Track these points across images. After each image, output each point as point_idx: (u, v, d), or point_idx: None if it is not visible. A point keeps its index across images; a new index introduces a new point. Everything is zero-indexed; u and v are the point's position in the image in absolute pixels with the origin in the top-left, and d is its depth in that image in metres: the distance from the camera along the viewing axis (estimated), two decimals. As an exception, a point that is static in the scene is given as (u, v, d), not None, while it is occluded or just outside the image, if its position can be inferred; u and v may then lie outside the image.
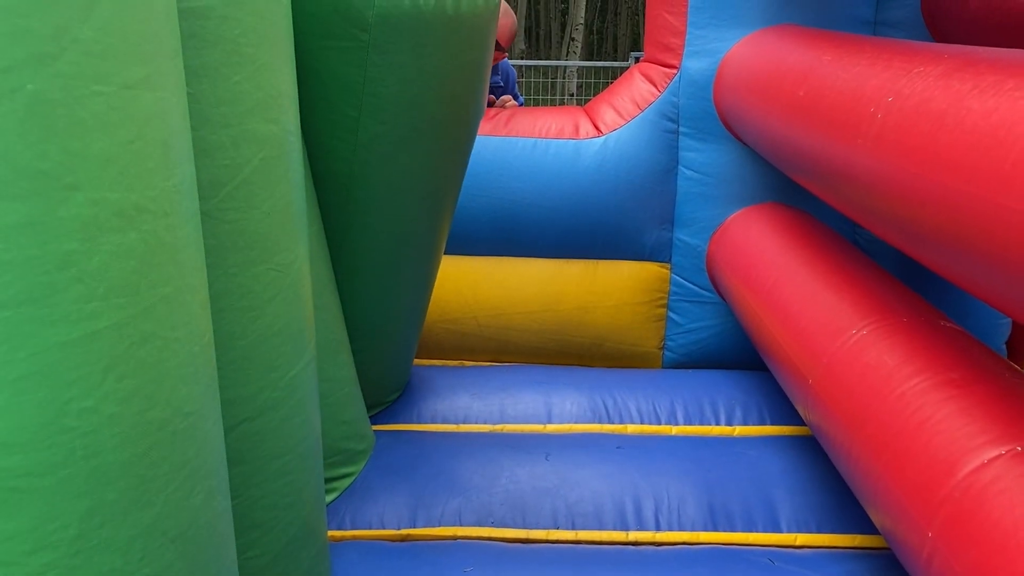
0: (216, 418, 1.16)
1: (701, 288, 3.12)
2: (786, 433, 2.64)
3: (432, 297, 2.79)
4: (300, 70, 1.72)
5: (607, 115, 3.06)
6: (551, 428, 2.69)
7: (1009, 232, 1.14)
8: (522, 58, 16.64)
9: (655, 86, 2.98)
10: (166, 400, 1.01)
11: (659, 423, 2.73)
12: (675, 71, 2.93)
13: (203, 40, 1.27)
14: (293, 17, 1.56)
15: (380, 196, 2.16)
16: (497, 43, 3.26)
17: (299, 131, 1.57)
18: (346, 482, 2.29)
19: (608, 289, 3.18)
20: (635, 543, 2.17)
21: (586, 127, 3.07)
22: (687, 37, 2.87)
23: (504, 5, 3.23)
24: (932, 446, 1.51)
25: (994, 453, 1.40)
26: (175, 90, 1.01)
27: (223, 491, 1.19)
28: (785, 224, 2.67)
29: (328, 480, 2.23)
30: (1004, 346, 3.17)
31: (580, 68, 12.37)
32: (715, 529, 2.20)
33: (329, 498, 2.23)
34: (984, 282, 1.30)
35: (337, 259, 2.24)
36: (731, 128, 2.83)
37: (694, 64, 2.89)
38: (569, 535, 2.17)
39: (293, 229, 1.50)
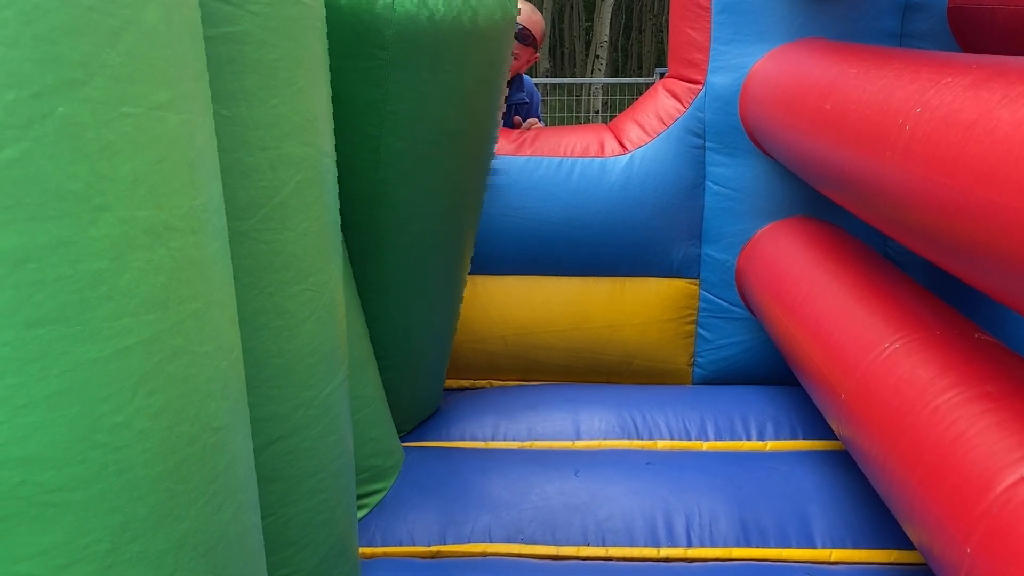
0: (245, 433, 1.17)
1: (730, 304, 3.10)
2: (819, 448, 2.61)
3: (459, 317, 2.80)
4: (324, 91, 1.74)
5: (632, 132, 3.06)
6: (580, 445, 2.68)
7: (1041, 240, 1.13)
8: (547, 76, 16.72)
9: (680, 102, 2.98)
10: (195, 415, 1.02)
11: (689, 439, 2.70)
12: (700, 86, 2.92)
13: (241, 64, 1.30)
14: (319, 39, 1.58)
15: (403, 213, 2.17)
16: (532, 39, 3.26)
17: (334, 153, 1.60)
18: (376, 498, 2.30)
19: (636, 306, 3.17)
20: (667, 559, 2.15)
21: (611, 144, 3.07)
22: (711, 52, 2.87)
23: (528, 4, 3.25)
24: (968, 460, 1.48)
25: (1032, 466, 1.37)
26: (201, 111, 1.03)
27: (253, 506, 1.20)
28: (814, 238, 2.65)
29: (359, 497, 2.23)
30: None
31: (605, 85, 12.40)
32: (748, 545, 2.18)
33: (359, 515, 2.24)
34: (1017, 292, 1.28)
35: (363, 278, 2.26)
36: (758, 142, 2.81)
37: (719, 79, 2.88)
38: (600, 552, 2.16)
39: (328, 250, 1.52)
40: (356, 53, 1.93)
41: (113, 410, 0.92)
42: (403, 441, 2.63)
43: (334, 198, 1.54)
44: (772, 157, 2.78)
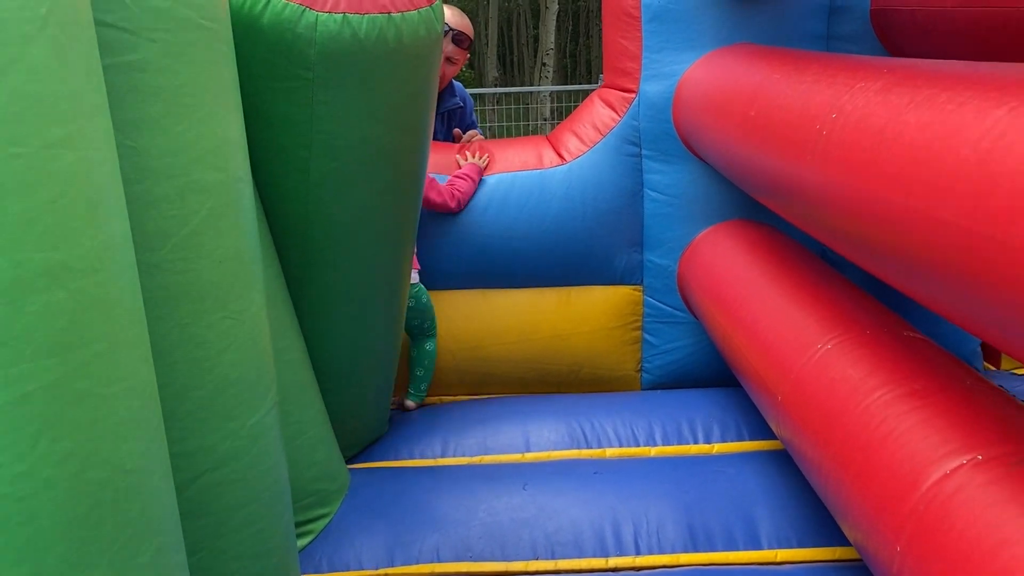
0: (164, 472, 1.15)
1: (674, 308, 3.12)
2: (764, 448, 2.63)
3: (406, 336, 2.78)
4: (247, 113, 1.72)
5: (570, 142, 3.08)
6: (530, 457, 2.67)
7: (947, 245, 1.15)
8: (495, 85, 16.74)
9: (615, 111, 3.00)
10: (105, 459, 1.00)
11: (638, 445, 2.72)
12: (633, 95, 2.95)
13: (143, 92, 1.27)
14: (237, 61, 1.56)
15: (337, 233, 2.15)
16: (469, 42, 3.26)
17: (249, 177, 1.57)
18: (321, 523, 2.27)
19: (583, 315, 3.18)
20: (615, 569, 2.15)
21: (549, 156, 3.08)
22: (643, 61, 2.90)
23: (451, 7, 3.26)
24: (896, 458, 1.51)
25: (956, 463, 1.39)
26: (100, 146, 1.01)
27: (176, 546, 1.18)
28: (752, 241, 2.68)
29: (302, 523, 2.20)
30: (979, 348, 3.19)
31: (553, 92, 12.46)
32: (695, 550, 2.19)
33: (304, 541, 2.20)
34: (930, 293, 1.31)
35: (301, 300, 2.23)
36: (692, 148, 2.84)
37: (652, 87, 2.91)
38: (549, 565, 2.15)
39: (247, 276, 1.50)
40: (281, 74, 1.91)
41: (14, 459, 0.90)
42: (350, 464, 2.60)
43: (252, 223, 1.51)
44: (706, 162, 2.81)
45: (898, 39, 2.71)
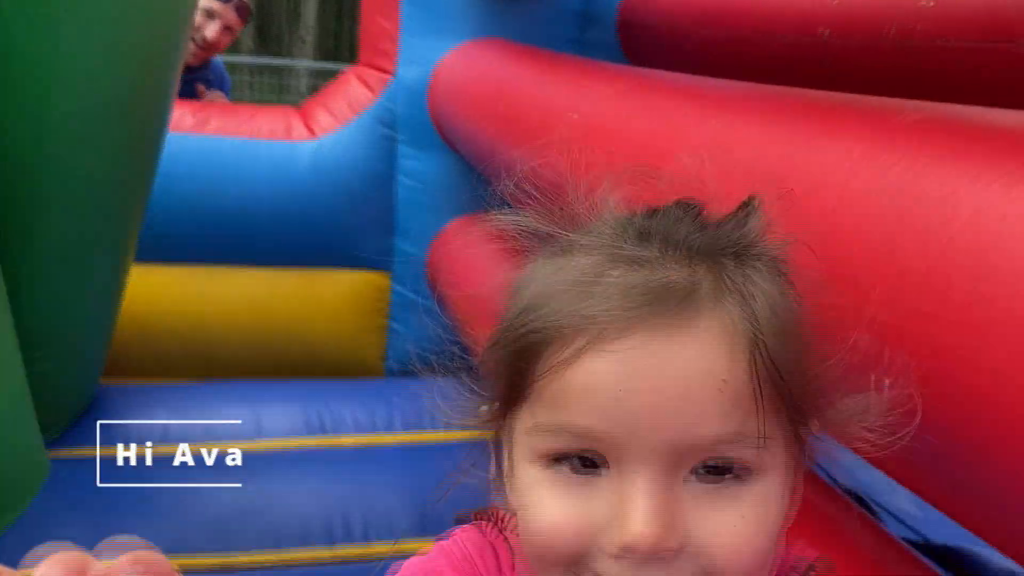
0: None
1: (422, 297, 3.12)
2: (499, 436, 2.70)
3: (126, 311, 2.55)
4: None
5: (321, 117, 2.98)
6: (261, 444, 2.55)
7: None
8: (251, 55, 15.98)
9: (371, 90, 2.95)
10: None
11: (376, 432, 2.68)
12: (390, 76, 2.91)
13: None
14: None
15: (71, 187, 1.92)
16: (245, 11, 3.09)
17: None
18: (12, 515, 2.02)
19: (326, 299, 3.09)
20: (343, 558, 2.11)
21: (299, 129, 2.96)
22: (401, 44, 2.87)
23: None
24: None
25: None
26: None
27: None
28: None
29: (-12, 518, 1.95)
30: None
31: (312, 69, 12.11)
32: (423, 535, 2.19)
33: (-11, 537, 1.95)
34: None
35: (14, 261, 1.97)
36: (445, 138, 2.86)
37: (409, 72, 2.88)
38: (272, 556, 2.07)
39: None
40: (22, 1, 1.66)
41: None
42: (51, 448, 2.34)
43: None
44: (459, 153, 2.84)
45: (639, 51, 2.89)
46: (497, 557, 0.72)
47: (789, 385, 0.59)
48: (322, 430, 2.63)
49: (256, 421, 2.60)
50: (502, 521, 0.72)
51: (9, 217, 1.91)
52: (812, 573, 0.70)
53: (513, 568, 0.70)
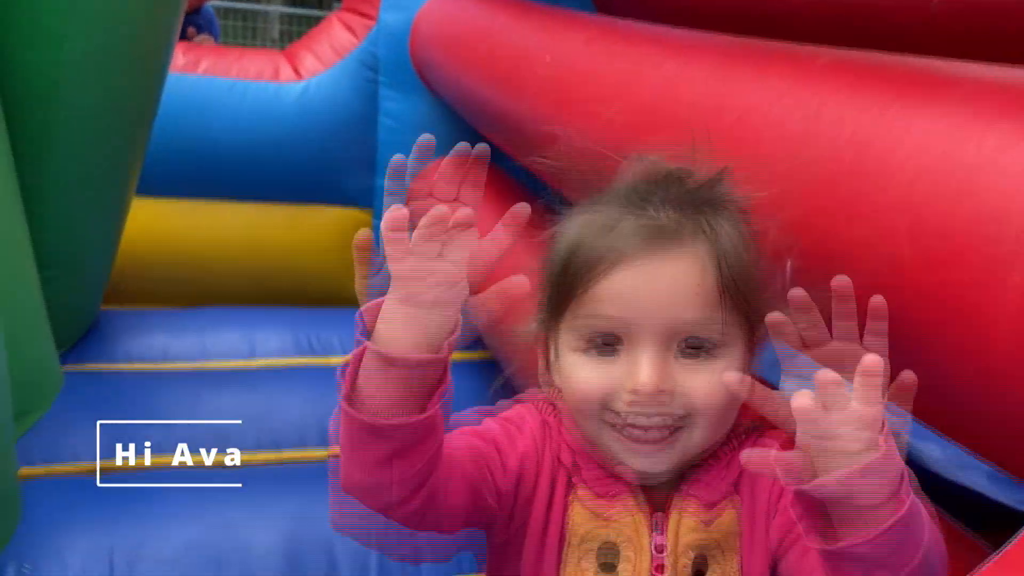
0: None
1: (400, 234, 3.31)
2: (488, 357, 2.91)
3: (125, 241, 2.72)
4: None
5: (307, 60, 3.13)
6: (256, 363, 2.75)
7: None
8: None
9: (354, 35, 3.10)
10: None
11: (361, 355, 2.89)
12: (373, 21, 3.06)
13: None
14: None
15: (83, 116, 2.09)
16: None
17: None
18: (31, 419, 2.21)
19: (312, 234, 3.26)
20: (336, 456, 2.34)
21: (287, 71, 3.12)
22: (384, -11, 3.02)
23: None
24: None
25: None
26: None
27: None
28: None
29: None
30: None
31: (283, 15, 12.03)
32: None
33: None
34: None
35: (30, 182, 2.13)
36: (426, 81, 3.03)
37: (392, 16, 3.04)
38: (272, 456, 2.29)
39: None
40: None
41: None
42: (62, 363, 2.53)
43: None
44: (439, 96, 3.02)
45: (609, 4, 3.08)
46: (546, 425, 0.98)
47: (743, 291, 0.89)
48: (311, 351, 2.84)
49: (250, 343, 2.80)
50: (552, 396, 0.98)
51: (25, 144, 2.07)
52: (755, 431, 0.95)
53: (560, 432, 0.96)
